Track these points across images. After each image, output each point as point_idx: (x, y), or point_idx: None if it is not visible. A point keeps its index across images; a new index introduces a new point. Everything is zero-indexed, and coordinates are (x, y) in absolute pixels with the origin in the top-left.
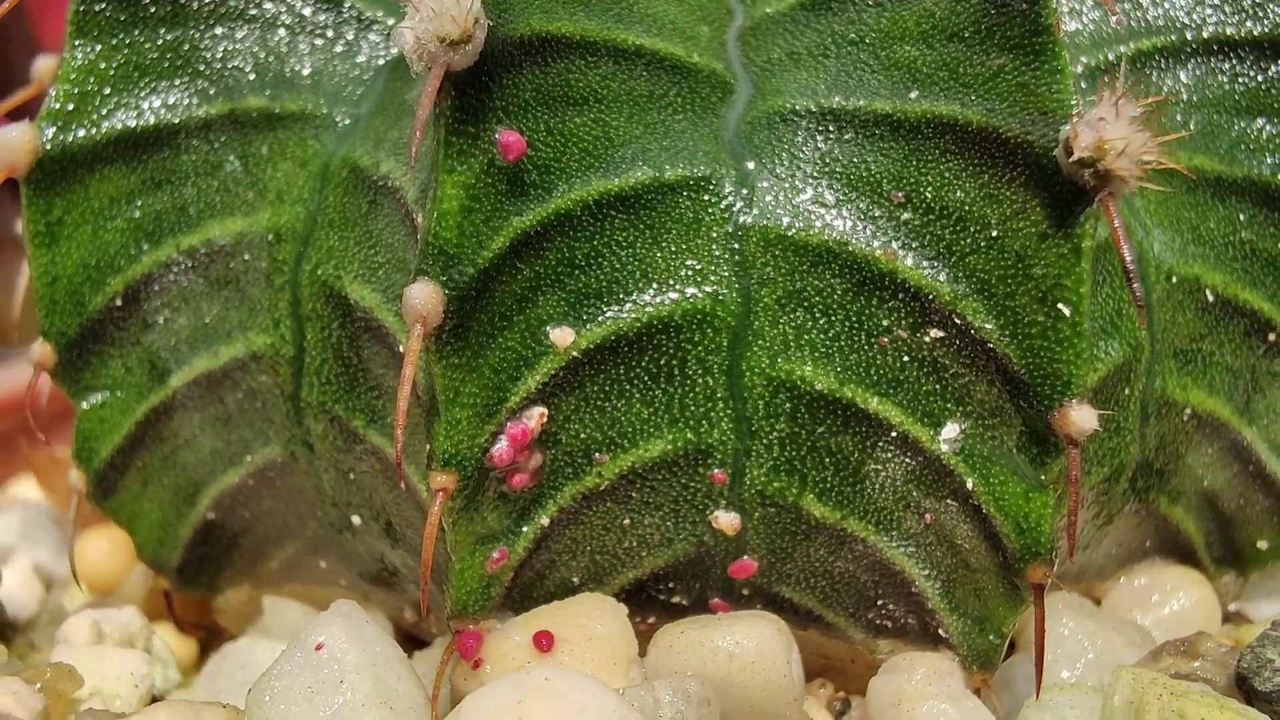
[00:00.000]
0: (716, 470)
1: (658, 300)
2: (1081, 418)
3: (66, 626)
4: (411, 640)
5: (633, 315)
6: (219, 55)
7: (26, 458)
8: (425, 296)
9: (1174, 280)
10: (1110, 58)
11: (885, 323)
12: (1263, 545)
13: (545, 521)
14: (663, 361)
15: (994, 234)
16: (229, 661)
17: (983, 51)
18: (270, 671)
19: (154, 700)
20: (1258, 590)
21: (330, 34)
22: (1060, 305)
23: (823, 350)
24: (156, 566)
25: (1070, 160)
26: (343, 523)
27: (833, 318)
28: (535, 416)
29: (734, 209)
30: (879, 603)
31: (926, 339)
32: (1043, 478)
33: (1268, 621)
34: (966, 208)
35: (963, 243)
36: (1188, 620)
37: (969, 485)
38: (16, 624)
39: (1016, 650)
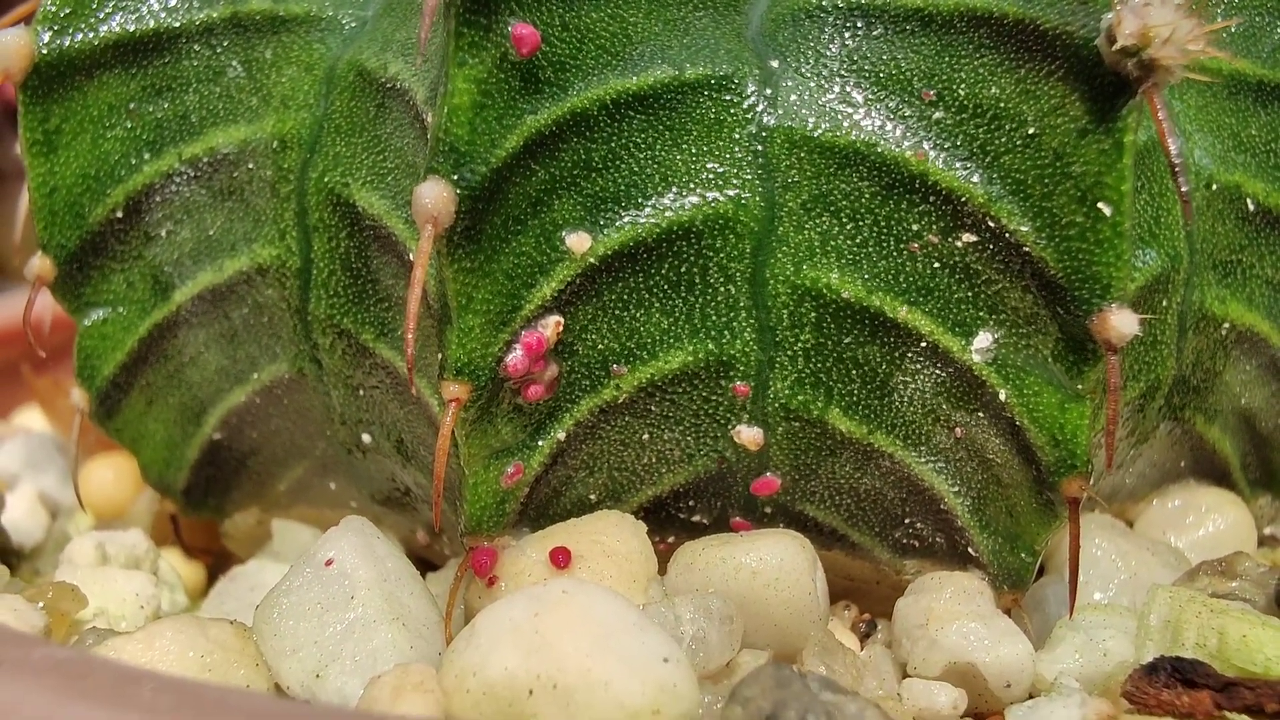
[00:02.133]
0: (739, 383)
1: (678, 205)
2: (1122, 322)
3: (71, 548)
4: (424, 564)
5: (652, 220)
6: None
7: (31, 386)
8: (436, 195)
9: (1214, 188)
10: None
11: (915, 227)
12: None
13: (561, 436)
14: (683, 269)
15: (1031, 131)
16: (237, 584)
17: None
18: (278, 587)
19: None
20: None
21: None
22: (1100, 204)
23: (850, 257)
24: (162, 489)
25: (1113, 49)
26: (353, 441)
27: (860, 222)
28: (551, 325)
29: (757, 109)
30: (906, 521)
31: (959, 244)
32: (1079, 387)
33: None
34: (1002, 105)
35: (997, 142)
36: (1223, 542)
37: (1001, 397)
38: (21, 551)
39: (1046, 572)
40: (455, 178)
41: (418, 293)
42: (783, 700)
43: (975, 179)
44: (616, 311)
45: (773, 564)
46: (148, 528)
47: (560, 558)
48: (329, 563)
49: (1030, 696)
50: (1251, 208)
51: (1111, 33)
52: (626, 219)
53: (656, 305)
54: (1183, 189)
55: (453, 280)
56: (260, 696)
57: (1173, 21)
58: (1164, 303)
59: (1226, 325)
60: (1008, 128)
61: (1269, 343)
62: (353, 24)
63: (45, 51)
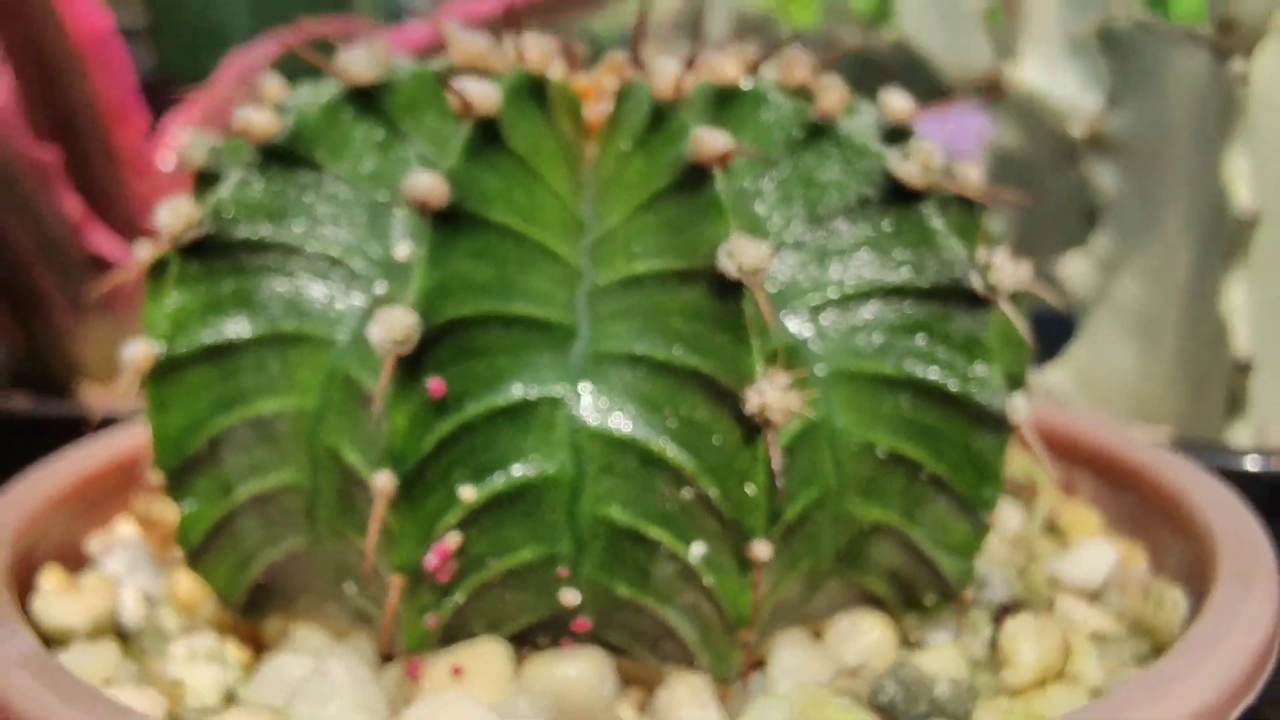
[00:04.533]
0: (561, 568)
1: (525, 470)
2: (760, 550)
3: (173, 648)
4: (389, 656)
5: (511, 480)
6: (265, 296)
7: (129, 505)
8: (383, 481)
9: (855, 445)
10: (824, 299)
11: (660, 485)
12: (929, 602)
13: (461, 599)
14: (528, 506)
15: (717, 441)
16: (273, 670)
17: (712, 329)
18: (299, 687)
19: (227, 695)
20: (936, 626)
21: (335, 282)
22: (748, 485)
23: (624, 499)
24: (226, 604)
25: (745, 409)
26: (340, 588)
27: (630, 481)
28: (453, 540)
29: (573, 415)
30: (663, 644)
31: (682, 496)
32: (745, 579)
33: (935, 647)
34: (704, 423)
35: (701, 443)
36: (874, 650)
37: (705, 582)
38: (130, 635)
39: (760, 669)
40: (395, 469)
41: (374, 534)
42: None
43: (689, 461)
44: (490, 530)
45: (574, 674)
46: (218, 621)
47: (456, 671)
48: (325, 674)
49: None
50: (882, 455)
51: (745, 401)
52: (497, 479)
53: (513, 525)
54: (780, 490)
55: (394, 523)
56: None
57: (778, 398)
58: (819, 516)
59: (868, 522)
60: (707, 436)
61: (899, 529)
62: (346, 340)
63: (161, 356)
